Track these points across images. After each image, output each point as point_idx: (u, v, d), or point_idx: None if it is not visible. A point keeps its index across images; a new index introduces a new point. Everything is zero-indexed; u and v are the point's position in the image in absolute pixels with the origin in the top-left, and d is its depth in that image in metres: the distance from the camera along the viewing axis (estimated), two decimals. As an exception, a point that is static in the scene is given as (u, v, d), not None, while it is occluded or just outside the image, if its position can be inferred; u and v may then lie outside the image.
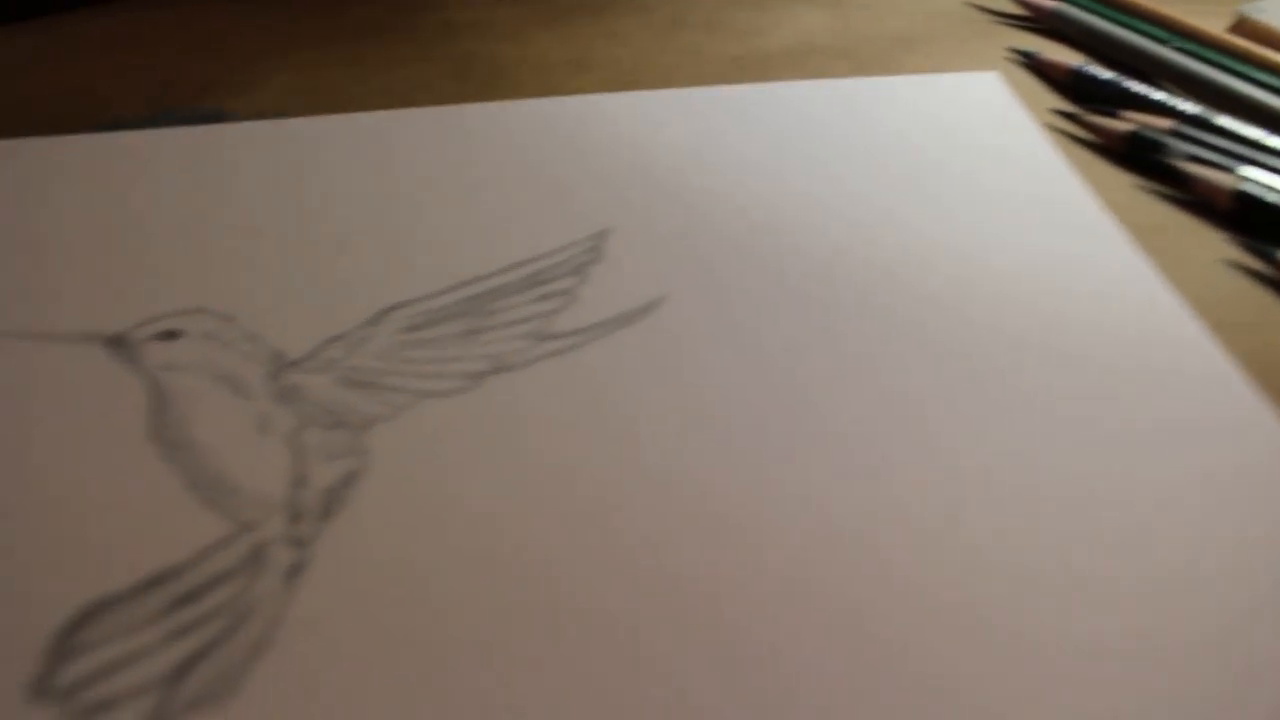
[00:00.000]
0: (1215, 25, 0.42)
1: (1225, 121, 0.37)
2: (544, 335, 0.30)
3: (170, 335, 0.30)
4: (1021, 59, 0.42)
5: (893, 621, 0.23)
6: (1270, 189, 0.34)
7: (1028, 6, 0.45)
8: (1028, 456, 0.27)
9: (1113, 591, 0.24)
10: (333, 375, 0.29)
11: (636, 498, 0.26)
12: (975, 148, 0.37)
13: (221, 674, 0.23)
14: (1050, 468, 0.26)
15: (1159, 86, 0.40)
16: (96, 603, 0.24)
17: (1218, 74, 0.40)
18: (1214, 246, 0.33)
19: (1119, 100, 0.39)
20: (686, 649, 0.23)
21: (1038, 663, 0.23)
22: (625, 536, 0.25)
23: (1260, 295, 0.31)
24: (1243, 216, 0.34)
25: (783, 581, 0.24)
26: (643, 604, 0.24)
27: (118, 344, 0.30)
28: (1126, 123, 0.37)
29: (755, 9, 0.46)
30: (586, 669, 0.23)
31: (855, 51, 0.43)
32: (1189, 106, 0.38)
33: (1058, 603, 0.24)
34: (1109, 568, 0.24)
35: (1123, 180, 0.36)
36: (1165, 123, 0.37)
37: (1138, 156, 0.37)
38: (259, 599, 0.24)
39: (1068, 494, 0.26)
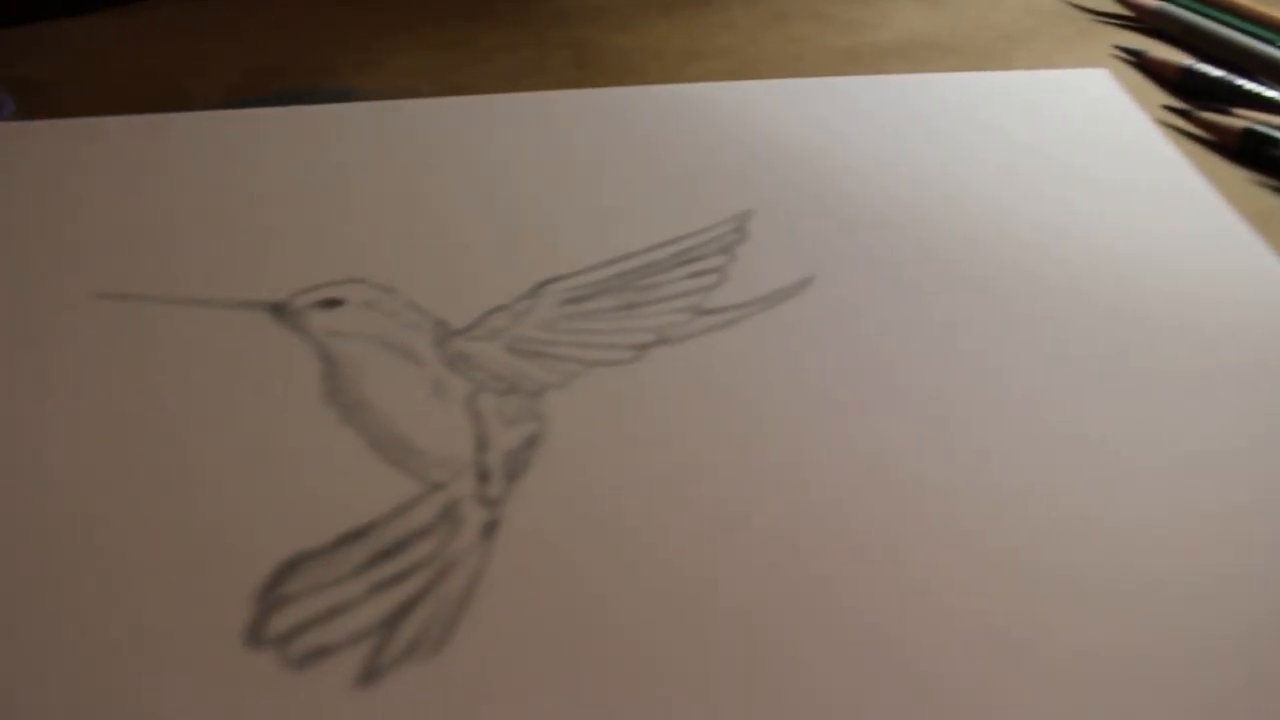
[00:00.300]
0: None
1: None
2: (701, 310, 0.31)
3: (332, 303, 0.30)
4: (1129, 57, 0.43)
5: (1076, 615, 0.24)
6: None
7: (1130, 6, 0.45)
8: (1179, 440, 0.27)
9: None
10: (500, 343, 0.29)
11: (802, 469, 0.26)
12: (1092, 142, 0.38)
13: (431, 626, 0.23)
14: (1201, 453, 0.27)
15: (1264, 84, 0.41)
16: (297, 557, 0.24)
17: (1325, 74, 0.40)
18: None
19: (1230, 97, 0.40)
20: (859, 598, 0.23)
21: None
22: (790, 509, 0.25)
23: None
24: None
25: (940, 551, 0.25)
26: (807, 572, 0.24)
27: (280, 311, 0.30)
28: (1240, 119, 0.38)
29: (858, 2, 0.47)
30: (758, 627, 0.23)
31: (962, 47, 0.43)
32: (1302, 104, 0.39)
33: (1225, 600, 0.24)
34: (1267, 565, 0.25)
35: (1237, 175, 0.37)
36: (1278, 119, 0.38)
37: (1251, 152, 0.37)
38: (458, 554, 0.24)
39: (1221, 485, 0.26)
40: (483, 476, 0.26)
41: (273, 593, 0.24)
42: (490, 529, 0.25)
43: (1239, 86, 0.40)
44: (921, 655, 0.23)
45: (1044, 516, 0.25)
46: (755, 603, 0.24)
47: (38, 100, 0.39)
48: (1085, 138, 0.38)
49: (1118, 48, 0.43)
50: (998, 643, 0.23)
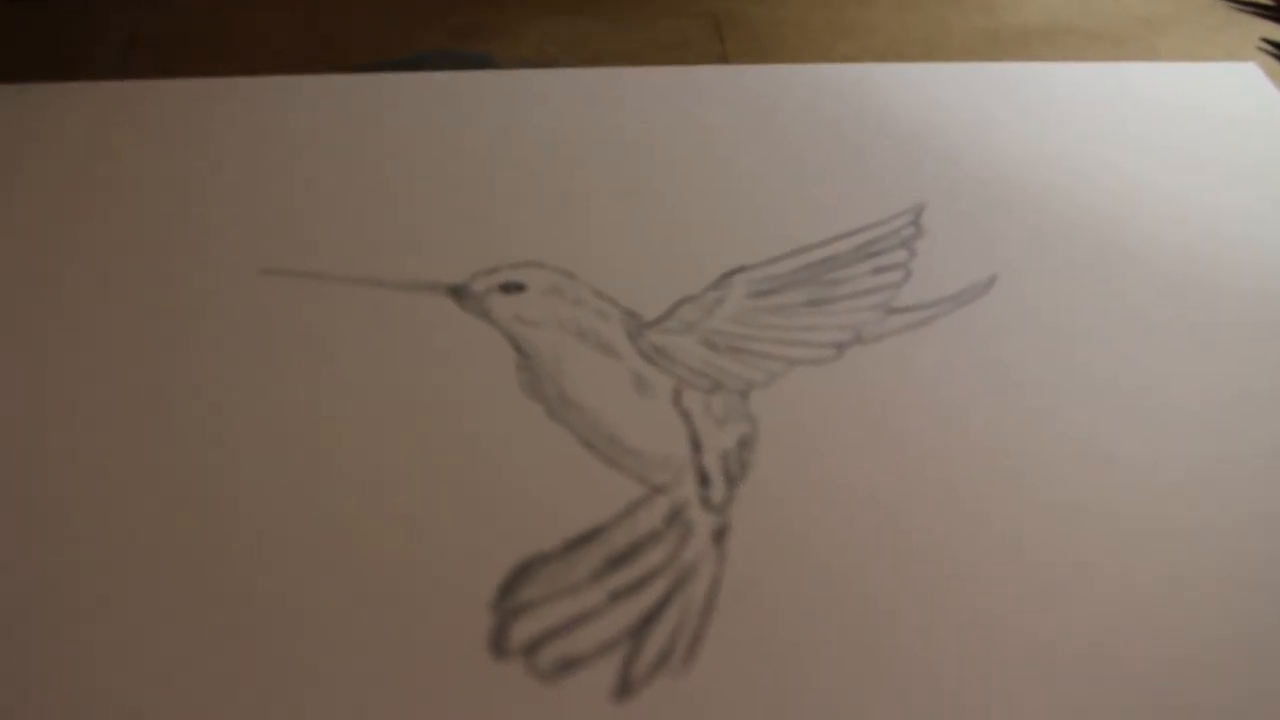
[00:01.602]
0: None
1: None
2: (891, 308, 0.30)
3: (514, 288, 0.30)
4: (1275, 50, 0.42)
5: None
6: None
7: (1270, -4, 0.45)
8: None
9: None
10: (694, 337, 0.29)
11: (1025, 464, 0.26)
12: (1242, 137, 0.37)
13: (679, 636, 0.23)
14: None
15: None
16: (529, 562, 0.24)
17: None
18: None
19: (1382, 97, 0.39)
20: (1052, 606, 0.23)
21: None
22: (995, 521, 0.25)
23: None
24: None
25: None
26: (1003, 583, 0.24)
27: (460, 294, 0.30)
28: (1395, 120, 0.38)
29: (985, -18, 0.45)
30: (996, 615, 0.23)
31: (1104, 33, 0.42)
32: None
33: None
34: None
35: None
36: None
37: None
38: (694, 561, 0.24)
39: None
40: (703, 480, 0.25)
41: (510, 599, 0.23)
42: (721, 534, 0.24)
43: (1393, 86, 0.39)
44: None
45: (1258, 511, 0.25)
46: (994, 591, 0.23)
47: (144, 57, 0.38)
48: (1236, 131, 0.38)
49: (1265, 40, 0.42)
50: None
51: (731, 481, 0.25)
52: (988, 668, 0.22)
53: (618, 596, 0.23)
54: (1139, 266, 0.32)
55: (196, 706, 0.21)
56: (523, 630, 0.23)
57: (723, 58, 0.39)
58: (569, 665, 0.22)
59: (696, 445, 0.26)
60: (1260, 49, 0.42)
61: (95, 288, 0.30)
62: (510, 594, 0.23)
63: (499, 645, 0.22)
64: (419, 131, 0.35)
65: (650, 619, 0.23)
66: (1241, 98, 0.40)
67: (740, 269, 0.31)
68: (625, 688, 0.22)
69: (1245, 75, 0.41)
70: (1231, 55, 0.42)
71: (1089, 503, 0.25)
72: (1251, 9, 0.45)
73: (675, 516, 0.25)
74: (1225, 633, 0.23)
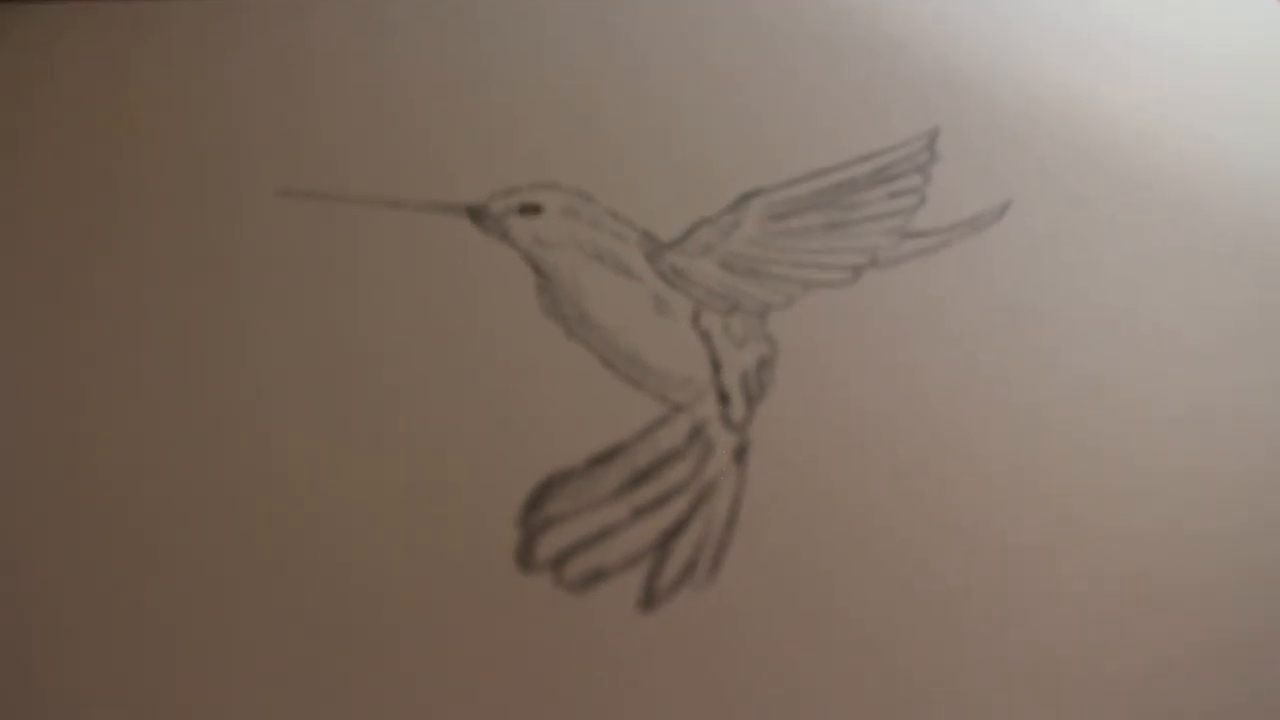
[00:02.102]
0: None
1: None
2: (906, 233, 0.30)
3: (531, 210, 0.30)
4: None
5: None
6: None
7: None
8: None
9: None
10: (712, 259, 0.29)
11: (1033, 397, 0.26)
12: (1276, 70, 0.37)
13: (703, 550, 0.23)
14: None
15: None
16: (553, 478, 0.24)
17: None
18: None
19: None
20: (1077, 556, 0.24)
21: None
22: (1025, 437, 0.26)
23: None
24: None
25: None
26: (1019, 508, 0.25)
27: (478, 215, 0.30)
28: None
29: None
30: (999, 535, 0.23)
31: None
32: None
33: None
34: None
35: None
36: None
37: None
38: (715, 478, 0.24)
39: None
40: (723, 399, 0.26)
41: (536, 515, 0.23)
42: (741, 452, 0.25)
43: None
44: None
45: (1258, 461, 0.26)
46: (999, 517, 0.24)
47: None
48: (1272, 67, 0.38)
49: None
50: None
51: (751, 401, 0.26)
52: (1001, 582, 0.23)
53: (641, 512, 0.24)
54: (1156, 197, 0.32)
55: (217, 618, 0.22)
56: (549, 544, 0.23)
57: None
58: (595, 577, 0.23)
59: (716, 365, 0.26)
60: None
61: (107, 211, 0.30)
62: (535, 509, 0.24)
63: (526, 559, 0.23)
64: (436, 50, 0.35)
65: (674, 534, 0.23)
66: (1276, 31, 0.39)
67: (757, 191, 0.31)
68: (650, 599, 0.22)
69: None
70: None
71: (1095, 436, 0.26)
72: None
73: (696, 435, 0.25)
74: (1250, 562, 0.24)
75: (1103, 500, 0.25)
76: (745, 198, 0.31)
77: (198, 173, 0.30)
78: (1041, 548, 0.24)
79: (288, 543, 0.23)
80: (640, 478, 0.24)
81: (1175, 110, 0.35)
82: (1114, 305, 0.29)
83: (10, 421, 0.25)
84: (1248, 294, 0.29)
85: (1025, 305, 0.29)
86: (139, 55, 0.34)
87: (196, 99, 0.33)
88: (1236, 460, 0.26)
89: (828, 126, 0.33)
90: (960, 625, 0.22)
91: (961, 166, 0.32)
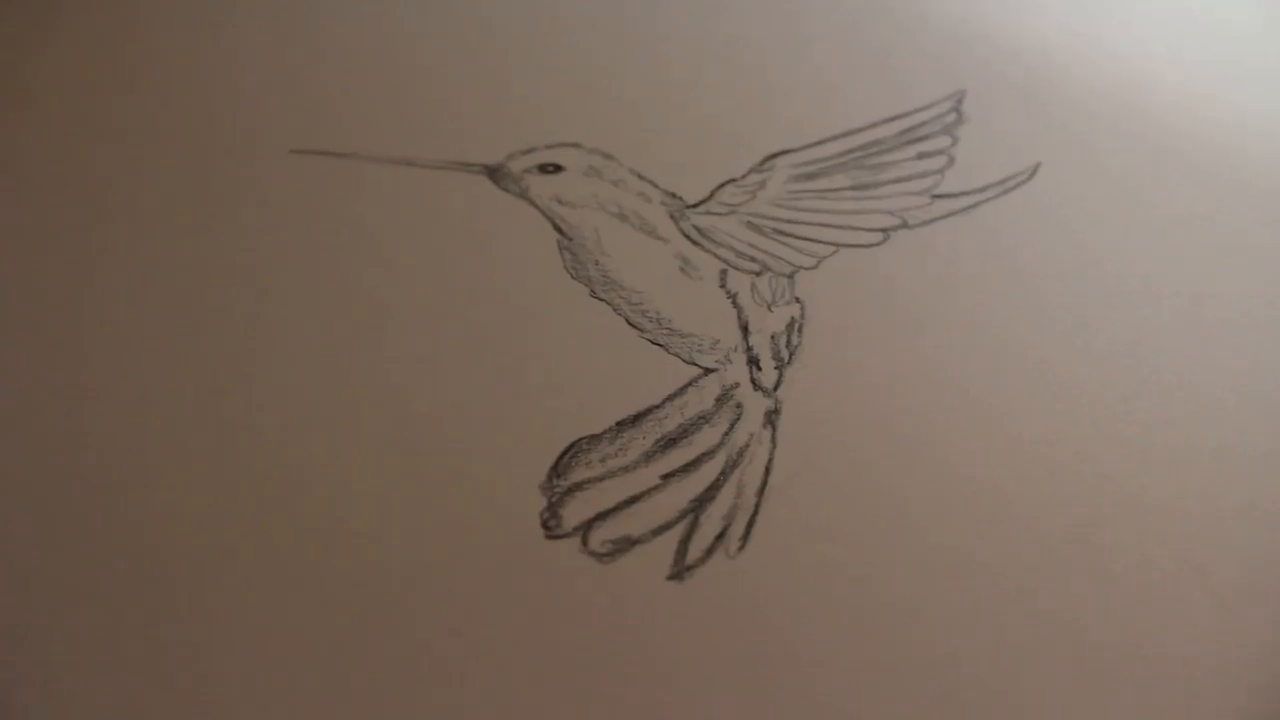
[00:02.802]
0: None
1: None
2: (935, 194, 0.29)
3: (552, 168, 0.29)
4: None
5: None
6: None
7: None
8: None
9: None
10: (738, 220, 0.28)
11: (1052, 371, 0.26)
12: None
13: (735, 517, 0.22)
14: None
15: None
16: (580, 442, 0.23)
17: None
18: None
19: None
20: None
21: None
22: (1064, 403, 0.25)
23: None
24: None
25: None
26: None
27: (497, 174, 0.29)
28: None
29: None
30: (1030, 499, 0.23)
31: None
32: None
33: None
34: None
35: None
36: None
37: None
38: (745, 443, 0.24)
39: None
40: (753, 362, 0.25)
41: (562, 481, 0.23)
42: (772, 416, 0.24)
43: None
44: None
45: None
46: (1029, 487, 0.23)
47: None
48: None
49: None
50: None
51: (781, 363, 0.25)
52: (1031, 553, 0.22)
53: (670, 477, 0.23)
54: (1185, 161, 0.31)
55: (244, 588, 0.21)
56: (575, 511, 0.22)
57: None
58: (623, 545, 0.22)
59: (745, 327, 0.26)
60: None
61: (123, 171, 0.29)
62: (561, 475, 0.23)
63: (551, 526, 0.22)
64: (453, 10, 0.34)
65: (704, 500, 0.23)
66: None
67: (782, 152, 0.30)
68: (681, 568, 0.22)
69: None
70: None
71: (1125, 402, 0.25)
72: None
73: (726, 398, 0.24)
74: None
75: (1135, 472, 0.24)
76: (770, 158, 0.30)
77: (211, 131, 0.30)
78: (1072, 520, 0.23)
79: (311, 511, 0.22)
80: (669, 442, 0.23)
81: (1204, 76, 0.34)
82: (1142, 271, 0.28)
83: (24, 363, 0.24)
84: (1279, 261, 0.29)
85: (1055, 268, 0.28)
86: (152, 12, 0.33)
87: (210, 57, 0.32)
88: (1270, 430, 0.25)
89: (853, 89, 0.32)
90: (989, 599, 0.22)
91: (989, 129, 0.32)
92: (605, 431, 0.24)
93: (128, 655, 0.21)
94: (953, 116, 0.32)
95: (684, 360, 0.25)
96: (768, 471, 0.23)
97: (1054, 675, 0.21)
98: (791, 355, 0.25)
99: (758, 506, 0.23)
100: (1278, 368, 0.26)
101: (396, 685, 0.20)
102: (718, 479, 0.23)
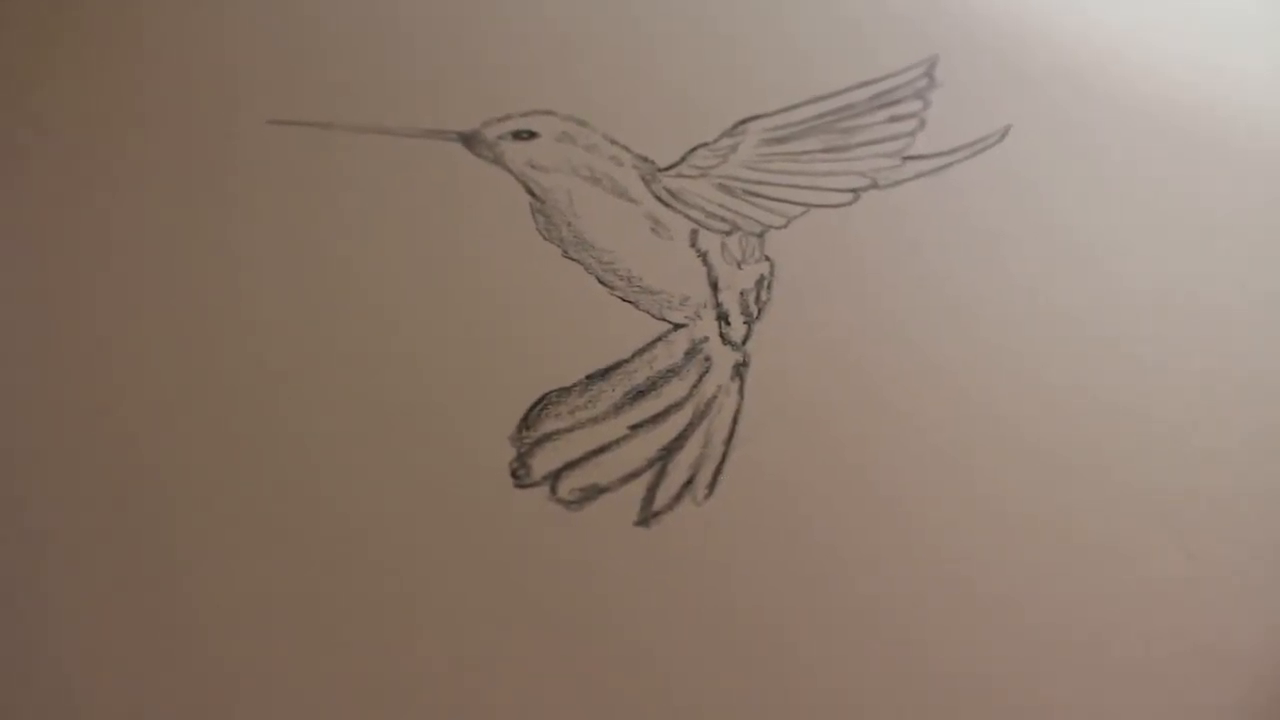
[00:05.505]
0: None
1: None
2: (905, 155, 0.30)
3: (526, 135, 0.29)
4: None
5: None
6: None
7: None
8: None
9: None
10: (709, 182, 0.28)
11: (1019, 318, 0.26)
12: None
13: (702, 467, 0.23)
14: None
15: None
16: (550, 395, 0.24)
17: None
18: None
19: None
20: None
21: None
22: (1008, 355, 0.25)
23: None
24: None
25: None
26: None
27: (472, 141, 0.29)
28: None
29: None
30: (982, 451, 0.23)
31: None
32: None
33: None
34: None
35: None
36: None
37: None
38: (713, 395, 0.24)
39: None
40: (722, 317, 0.25)
41: (531, 432, 0.23)
42: (739, 370, 0.24)
43: None
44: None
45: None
46: (992, 439, 0.24)
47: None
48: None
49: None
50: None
51: (749, 319, 0.25)
52: (981, 493, 0.23)
53: (639, 428, 0.23)
54: (1154, 123, 0.31)
55: (214, 537, 0.21)
56: (544, 461, 0.23)
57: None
58: (591, 493, 0.22)
59: (714, 284, 0.26)
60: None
61: (100, 142, 0.29)
62: (530, 426, 0.23)
63: (520, 475, 0.22)
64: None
65: (672, 449, 0.23)
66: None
67: (754, 117, 0.30)
68: (648, 514, 0.22)
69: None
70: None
71: (1081, 360, 0.26)
72: None
73: (695, 352, 0.25)
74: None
75: (1096, 428, 0.24)
76: (742, 123, 0.30)
77: (190, 102, 0.30)
78: (1032, 469, 0.23)
79: (284, 461, 0.23)
80: (638, 394, 0.24)
81: (1175, 36, 0.35)
82: (1109, 233, 0.28)
83: (17, 320, 0.25)
84: (1250, 220, 0.29)
85: (1023, 229, 0.28)
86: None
87: (189, 29, 0.32)
88: (1241, 394, 0.25)
89: (826, 55, 0.32)
90: (948, 545, 0.22)
91: (961, 93, 0.32)
92: (575, 384, 0.24)
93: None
94: (924, 81, 0.32)
95: (654, 316, 0.25)
96: (735, 422, 0.23)
97: (1017, 624, 0.21)
98: (760, 311, 0.26)
99: (725, 455, 0.23)
100: (1246, 328, 0.26)
101: (367, 631, 0.21)
102: (685, 429, 0.23)
